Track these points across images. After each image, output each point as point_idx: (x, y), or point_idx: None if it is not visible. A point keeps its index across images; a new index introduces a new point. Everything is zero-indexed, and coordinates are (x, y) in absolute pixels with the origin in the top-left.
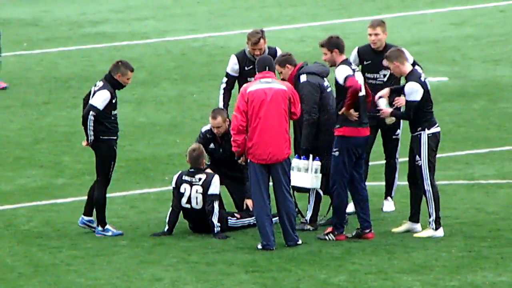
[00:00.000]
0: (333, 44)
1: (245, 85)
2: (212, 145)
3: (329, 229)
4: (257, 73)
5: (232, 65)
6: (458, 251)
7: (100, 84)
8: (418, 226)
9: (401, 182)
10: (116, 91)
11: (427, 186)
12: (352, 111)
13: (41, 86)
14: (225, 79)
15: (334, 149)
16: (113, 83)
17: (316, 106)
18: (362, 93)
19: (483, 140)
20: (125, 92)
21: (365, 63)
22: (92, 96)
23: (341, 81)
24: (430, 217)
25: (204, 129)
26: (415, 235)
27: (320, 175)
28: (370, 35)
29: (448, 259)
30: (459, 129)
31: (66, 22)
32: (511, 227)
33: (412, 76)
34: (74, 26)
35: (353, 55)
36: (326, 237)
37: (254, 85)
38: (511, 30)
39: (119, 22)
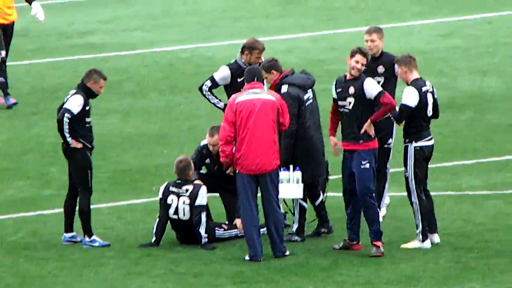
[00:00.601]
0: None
1: (233, 95)
2: (207, 160)
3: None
4: (245, 83)
5: (224, 75)
6: (446, 262)
7: (73, 91)
8: (434, 237)
9: (398, 193)
10: (91, 100)
11: (414, 198)
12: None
13: (29, 96)
14: (209, 83)
15: (364, 162)
16: (86, 91)
17: (294, 118)
18: None
19: (471, 151)
20: (113, 103)
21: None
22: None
23: (374, 94)
24: (417, 228)
25: (202, 143)
26: (402, 246)
27: (302, 185)
28: (367, 41)
29: (436, 270)
30: (447, 140)
31: (55, 33)
32: (498, 238)
33: (414, 83)
34: (63, 36)
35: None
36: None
37: (243, 96)
38: (499, 41)
39: (107, 32)
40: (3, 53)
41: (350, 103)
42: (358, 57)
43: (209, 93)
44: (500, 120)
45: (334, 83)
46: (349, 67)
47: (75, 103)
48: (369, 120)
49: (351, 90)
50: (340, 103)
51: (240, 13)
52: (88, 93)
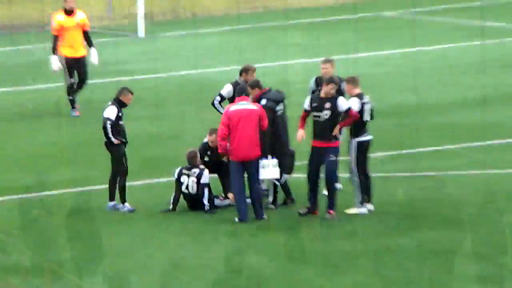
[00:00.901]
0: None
1: (227, 105)
2: (209, 152)
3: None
4: (236, 97)
5: (228, 91)
6: (377, 222)
7: (109, 103)
8: (369, 206)
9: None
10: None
11: (355, 177)
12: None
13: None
14: (218, 98)
15: (332, 156)
16: (119, 103)
17: (270, 123)
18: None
19: (396, 145)
20: (141, 111)
21: (319, 88)
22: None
23: (344, 108)
24: (356, 198)
25: (204, 140)
26: (345, 211)
27: (278, 169)
28: (323, 68)
29: (370, 227)
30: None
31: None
32: (417, 207)
33: (357, 96)
34: (107, 64)
35: (311, 82)
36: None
37: (235, 106)
38: (416, 67)
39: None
40: (72, 80)
41: (327, 114)
42: (332, 85)
43: (219, 105)
44: (415, 123)
45: (309, 99)
46: (325, 91)
47: (110, 112)
48: (338, 126)
49: (327, 105)
50: (316, 113)
51: (232, 49)
52: (120, 104)
